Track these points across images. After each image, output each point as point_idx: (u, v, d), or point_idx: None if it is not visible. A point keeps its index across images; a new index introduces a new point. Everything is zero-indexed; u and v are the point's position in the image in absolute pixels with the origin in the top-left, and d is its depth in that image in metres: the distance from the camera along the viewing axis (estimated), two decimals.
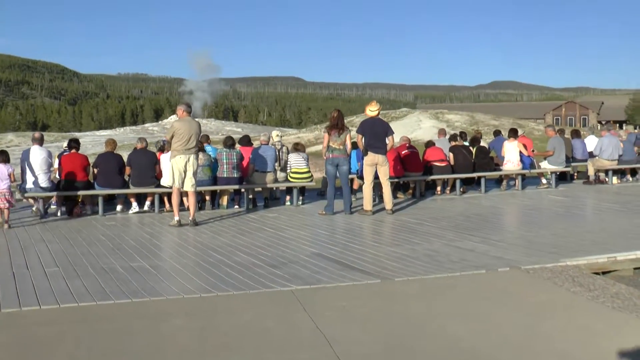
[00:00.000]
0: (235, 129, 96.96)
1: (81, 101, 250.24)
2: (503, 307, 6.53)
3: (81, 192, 12.81)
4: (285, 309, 6.48)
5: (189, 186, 11.57)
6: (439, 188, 15.74)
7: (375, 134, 12.56)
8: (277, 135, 15.31)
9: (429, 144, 15.86)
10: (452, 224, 11.54)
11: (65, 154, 13.21)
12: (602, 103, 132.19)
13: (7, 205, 11.57)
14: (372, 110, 12.72)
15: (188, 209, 12.12)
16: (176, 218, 11.46)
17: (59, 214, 12.81)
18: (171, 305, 6.61)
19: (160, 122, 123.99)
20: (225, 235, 10.65)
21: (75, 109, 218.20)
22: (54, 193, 12.66)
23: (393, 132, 12.90)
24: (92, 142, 71.70)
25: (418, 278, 7.65)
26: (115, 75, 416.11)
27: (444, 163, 15.29)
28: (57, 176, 13.03)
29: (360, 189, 14.70)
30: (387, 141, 12.67)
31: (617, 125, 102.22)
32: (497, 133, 17.98)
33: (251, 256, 8.91)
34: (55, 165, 13.26)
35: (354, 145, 13.73)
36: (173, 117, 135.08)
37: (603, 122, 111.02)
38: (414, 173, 14.92)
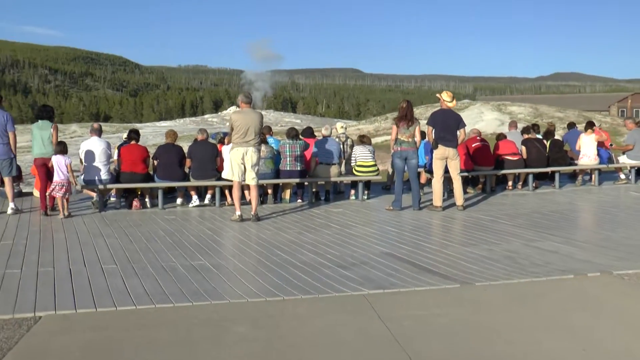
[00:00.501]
0: (294, 121, 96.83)
1: (142, 93, 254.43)
2: (601, 320, 5.83)
3: (141, 185, 12.46)
4: (359, 316, 5.91)
5: (250, 179, 11.09)
6: (510, 183, 14.98)
7: (447, 126, 11.89)
8: (342, 127, 14.74)
9: (500, 136, 15.09)
10: (528, 221, 10.82)
11: (124, 145, 12.87)
12: None
13: (66, 195, 11.49)
14: (447, 100, 12.02)
15: (250, 203, 11.67)
16: (238, 213, 10.99)
17: (118, 206, 12.48)
18: (234, 310, 6.09)
19: (219, 113, 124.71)
20: (289, 231, 10.13)
21: (136, 100, 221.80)
22: (113, 185, 12.33)
23: (465, 125, 12.20)
24: (153, 133, 72.24)
25: (500, 283, 7.00)
26: (176, 67, 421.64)
27: (516, 157, 14.51)
28: (117, 168, 12.69)
29: (427, 183, 14.07)
30: (458, 134, 12.01)
31: None
32: (571, 125, 17.07)
33: (318, 255, 8.37)
34: (115, 156, 12.94)
35: (422, 137, 13.06)
36: (232, 108, 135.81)
37: None
38: (484, 167, 14.20)
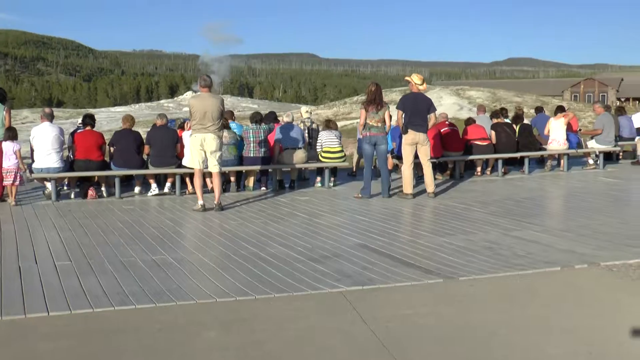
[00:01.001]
0: (251, 106, 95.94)
1: (96, 78, 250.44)
2: (603, 320, 5.41)
3: (96, 173, 11.76)
4: (339, 317, 5.41)
5: (212, 167, 10.52)
6: (479, 168, 14.61)
7: (418, 111, 11.43)
8: (307, 112, 14.20)
9: (469, 121, 14.68)
10: (502, 209, 10.43)
11: (79, 131, 12.15)
12: (622, 80, 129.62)
13: (14, 183, 11.08)
14: (417, 83, 11.56)
15: (212, 192, 11.10)
16: (200, 202, 10.41)
17: (72, 196, 11.79)
18: (202, 311, 5.54)
19: (175, 98, 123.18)
20: (255, 221, 9.58)
21: (90, 85, 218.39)
22: (67, 174, 11.62)
23: (435, 109, 11.77)
24: (108, 119, 70.87)
25: (486, 277, 6.56)
26: (130, 51, 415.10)
27: (485, 142, 14.12)
28: (70, 155, 11.97)
29: (394, 169, 13.63)
30: (428, 118, 11.57)
31: (638, 102, 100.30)
32: (539, 110, 16.75)
33: (288, 248, 7.85)
34: (68, 143, 12.22)
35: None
36: (189, 94, 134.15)
37: (622, 100, 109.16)
38: (454, 152, 13.79)
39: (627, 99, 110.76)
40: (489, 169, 14.76)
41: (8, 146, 11.16)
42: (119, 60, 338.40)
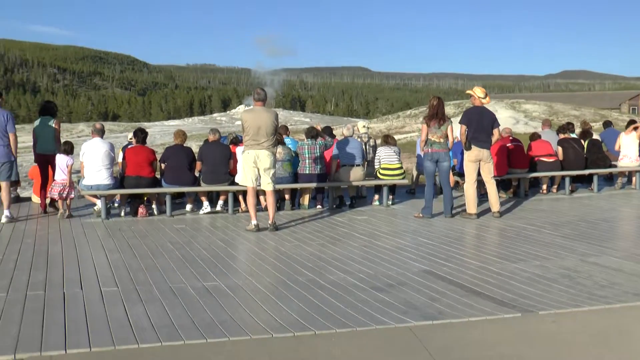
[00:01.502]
0: (303, 119, 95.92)
1: (150, 92, 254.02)
2: None
3: (147, 190, 11.38)
4: (409, 358, 4.83)
5: (265, 185, 10.03)
6: (545, 186, 13.87)
7: (481, 126, 10.80)
8: (364, 127, 13.66)
9: (535, 136, 13.95)
10: (576, 231, 9.72)
11: (130, 146, 11.80)
12: None
13: (64, 196, 11.18)
14: (480, 96, 10.94)
15: (266, 210, 10.63)
16: (253, 222, 9.92)
17: (122, 214, 11.43)
18: (258, 350, 5.01)
19: (228, 112, 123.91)
20: (311, 243, 9.04)
21: (144, 99, 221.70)
22: (117, 191, 11.27)
23: (499, 124, 11.13)
24: (161, 132, 71.30)
25: (569, 312, 5.91)
26: (184, 65, 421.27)
27: (552, 158, 13.39)
28: (121, 171, 11.63)
29: (455, 187, 12.97)
30: (492, 134, 10.94)
31: None
32: (607, 124, 15.90)
33: (348, 274, 7.29)
34: (119, 159, 11.88)
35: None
36: (241, 107, 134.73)
37: None
38: (518, 169, 13.08)
39: None
40: (555, 186, 14.01)
41: (61, 160, 11.22)
42: (172, 74, 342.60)
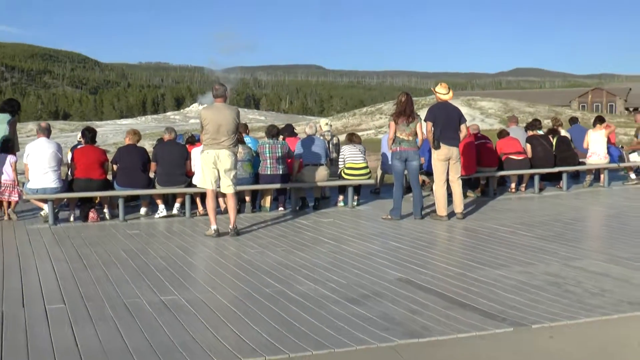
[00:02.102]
0: (258, 117, 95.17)
1: (102, 90, 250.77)
2: None
3: (98, 193, 10.64)
4: None
5: (225, 187, 9.38)
6: (513, 185, 13.46)
7: (449, 122, 10.32)
8: (327, 124, 13.09)
9: (503, 133, 13.52)
10: (552, 232, 9.29)
11: (79, 147, 11.03)
12: (630, 89, 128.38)
13: (10, 198, 10.71)
14: (442, 93, 10.46)
15: (225, 213, 10.02)
16: (213, 227, 9.27)
17: (71, 219, 10.66)
18: None
19: (182, 110, 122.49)
20: (276, 250, 8.43)
21: (96, 97, 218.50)
22: (66, 194, 10.50)
23: (466, 120, 10.67)
24: (114, 131, 70.01)
25: (564, 324, 5.39)
26: (136, 64, 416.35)
27: (521, 156, 12.98)
28: (69, 174, 10.86)
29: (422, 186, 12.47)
30: (460, 130, 10.47)
31: None
32: (573, 120, 15.56)
33: (318, 283, 6.70)
34: (68, 160, 11.11)
35: None
36: (194, 106, 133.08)
37: (631, 109, 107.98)
38: (487, 168, 12.64)
39: (636, 109, 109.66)
40: (524, 185, 13.61)
41: (2, 158, 10.68)
42: (125, 73, 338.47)
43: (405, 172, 10.59)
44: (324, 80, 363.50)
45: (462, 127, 10.51)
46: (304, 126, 12.28)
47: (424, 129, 10.56)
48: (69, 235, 9.44)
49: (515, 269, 7.23)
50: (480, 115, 51.63)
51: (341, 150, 12.03)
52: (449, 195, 10.73)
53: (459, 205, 10.56)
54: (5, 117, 11.27)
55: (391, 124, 10.37)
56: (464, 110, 53.77)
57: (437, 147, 10.30)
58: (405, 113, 10.26)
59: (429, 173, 11.70)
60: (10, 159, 10.69)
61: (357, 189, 12.18)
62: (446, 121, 10.33)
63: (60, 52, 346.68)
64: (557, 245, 8.46)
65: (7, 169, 10.61)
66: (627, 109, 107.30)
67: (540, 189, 13.45)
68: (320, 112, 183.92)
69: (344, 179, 11.75)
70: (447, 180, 10.56)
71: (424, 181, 12.49)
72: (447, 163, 10.40)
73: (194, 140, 11.75)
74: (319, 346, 4.89)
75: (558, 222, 10.09)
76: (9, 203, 10.75)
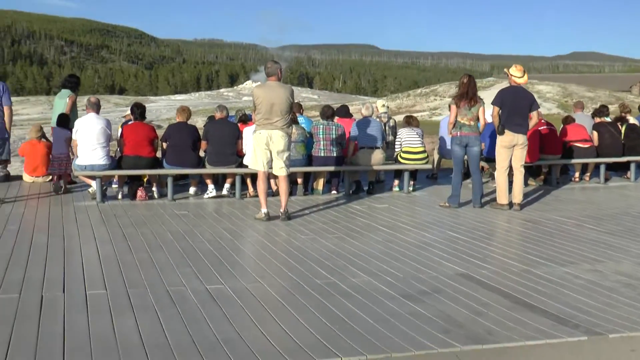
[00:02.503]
0: (311, 96, 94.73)
1: (158, 65, 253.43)
2: None
3: (147, 171, 10.37)
4: None
5: (278, 169, 9.00)
6: (577, 174, 12.82)
7: (518, 108, 9.75)
8: (384, 106, 12.61)
9: (568, 119, 12.85)
10: (622, 227, 8.72)
11: (128, 123, 10.76)
12: None
13: (63, 171, 10.78)
14: (516, 76, 9.89)
15: (276, 195, 9.68)
16: (263, 210, 8.91)
17: (119, 196, 10.43)
18: None
19: (235, 87, 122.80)
20: (328, 237, 8.02)
21: (152, 73, 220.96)
22: (114, 172, 10.25)
23: (539, 106, 10.08)
24: (167, 107, 70.40)
25: None
26: (191, 40, 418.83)
27: (587, 144, 12.34)
28: (119, 150, 10.61)
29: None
30: (530, 117, 9.90)
31: None
32: None
33: (373, 276, 6.29)
34: (117, 136, 10.87)
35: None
36: (248, 83, 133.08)
37: None
38: (551, 155, 12.01)
39: None
40: (588, 174, 12.96)
41: (59, 133, 10.86)
42: (180, 49, 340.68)
43: (465, 158, 10.08)
44: (377, 60, 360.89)
45: (534, 114, 9.94)
46: (359, 107, 11.76)
47: (487, 113, 10.02)
48: (116, 214, 9.19)
49: (584, 267, 6.72)
50: (538, 100, 49.93)
51: (398, 133, 11.55)
52: (510, 183, 10.20)
53: (518, 195, 10.00)
54: (66, 92, 11.74)
55: (452, 107, 9.85)
56: None
57: (501, 133, 9.75)
58: (467, 96, 9.74)
59: (489, 159, 11.17)
60: (66, 133, 10.66)
61: (414, 174, 11.71)
62: (514, 106, 9.76)
63: (117, 28, 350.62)
64: (628, 241, 7.91)
65: (61, 144, 10.61)
66: None
67: (606, 179, 12.79)
68: (374, 92, 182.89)
69: (400, 163, 11.27)
70: (510, 167, 10.03)
71: (482, 167, 11.94)
72: (510, 150, 9.85)
73: (246, 118, 11.40)
74: (374, 349, 4.49)
75: (627, 216, 9.50)
76: (60, 177, 10.70)
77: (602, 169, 12.61)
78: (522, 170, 9.95)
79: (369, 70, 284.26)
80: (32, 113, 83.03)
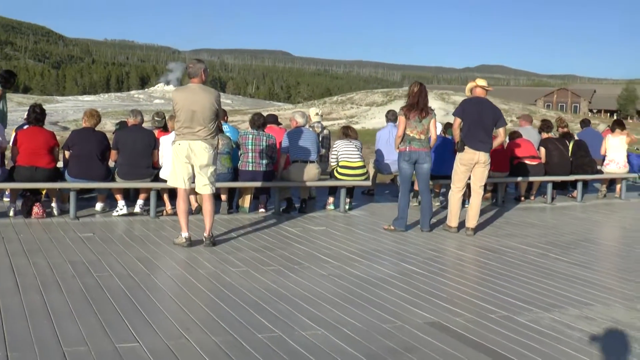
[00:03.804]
0: (224, 101, 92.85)
1: (65, 65, 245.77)
2: None
3: (45, 185, 8.82)
4: None
5: (201, 187, 7.63)
6: (523, 192, 11.91)
7: (481, 122, 8.71)
8: (317, 115, 11.38)
9: (515, 134, 11.91)
10: (590, 257, 7.82)
11: (23, 128, 9.14)
12: (595, 91, 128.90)
13: None
14: (483, 85, 8.87)
15: (196, 214, 8.35)
16: (184, 234, 7.53)
17: (11, 213, 8.83)
18: None
19: (146, 89, 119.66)
20: (263, 269, 6.70)
21: (59, 72, 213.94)
22: (4, 185, 8.66)
23: (505, 123, 9.07)
24: (74, 108, 67.49)
25: None
26: (102, 40, 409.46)
27: (535, 161, 11.44)
28: (11, 159, 9.01)
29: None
30: (495, 134, 8.90)
31: (609, 114, 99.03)
32: (585, 123, 13.95)
33: (327, 327, 5.02)
34: (10, 143, 9.25)
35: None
36: (159, 86, 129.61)
37: (594, 111, 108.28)
38: (498, 173, 11.03)
39: (599, 111, 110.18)
40: (533, 193, 12.08)
41: None
42: (90, 49, 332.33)
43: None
44: (291, 67, 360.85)
45: (500, 130, 8.91)
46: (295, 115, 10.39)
47: (438, 127, 8.93)
48: (4, 237, 7.61)
49: (571, 313, 5.63)
50: (453, 110, 50.39)
51: (334, 146, 10.35)
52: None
53: (472, 219, 8.95)
54: None
55: (400, 119, 8.71)
56: (438, 104, 52.52)
57: (461, 150, 8.68)
58: (417, 106, 8.63)
59: (433, 177, 10.10)
60: None
61: (350, 191, 10.52)
62: (478, 120, 8.69)
63: (23, 24, 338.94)
64: (605, 276, 6.94)
65: None
66: (590, 110, 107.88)
67: (552, 198, 11.92)
68: (287, 98, 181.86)
69: (336, 178, 10.08)
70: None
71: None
72: (469, 168, 8.78)
73: (165, 125, 10.00)
74: None
75: (590, 243, 8.60)
76: None
77: (550, 187, 11.75)
78: (481, 191, 8.90)
79: (282, 76, 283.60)
80: None
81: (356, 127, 51.90)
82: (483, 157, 8.67)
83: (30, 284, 5.82)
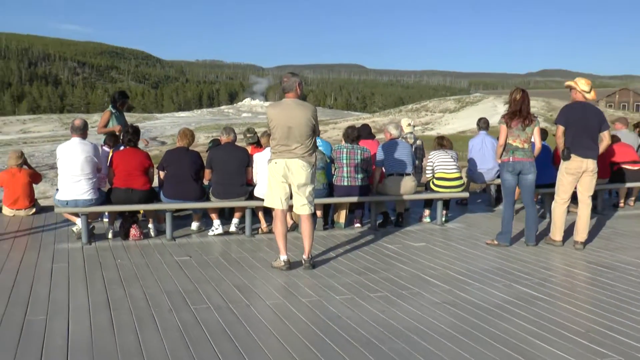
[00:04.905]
0: None
1: (162, 85, 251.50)
2: None
3: (140, 206, 8.04)
4: None
5: (299, 206, 6.69)
6: (622, 200, 10.56)
7: (587, 127, 7.51)
8: (409, 125, 10.31)
9: (614, 139, 10.54)
10: None
11: (120, 149, 8.41)
12: None
13: None
14: (585, 90, 7.63)
15: (293, 230, 7.44)
16: (282, 257, 6.60)
17: (109, 235, 8.09)
18: None
19: (235, 104, 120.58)
20: (369, 297, 5.69)
21: (157, 92, 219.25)
22: (102, 208, 7.91)
23: (609, 126, 7.81)
24: (171, 124, 68.11)
25: None
26: (194, 61, 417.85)
27: (637, 165, 10.09)
28: (108, 182, 8.27)
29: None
30: (600, 139, 7.65)
31: None
32: None
33: None
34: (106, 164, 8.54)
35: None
36: (247, 101, 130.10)
37: None
38: (599, 180, 9.68)
39: None
40: (633, 199, 10.72)
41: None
42: (183, 69, 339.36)
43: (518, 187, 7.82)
44: (365, 79, 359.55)
45: (604, 134, 7.64)
46: (389, 127, 9.31)
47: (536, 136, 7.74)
48: (102, 263, 6.86)
49: None
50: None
51: (429, 157, 9.27)
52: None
53: (582, 232, 7.70)
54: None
55: (502, 128, 7.58)
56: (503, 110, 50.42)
57: (567, 158, 7.49)
58: (521, 114, 7.49)
59: (538, 186, 8.90)
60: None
61: (447, 203, 9.43)
62: (583, 126, 7.49)
63: (125, 50, 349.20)
64: None
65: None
66: None
67: None
68: (363, 107, 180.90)
69: (433, 191, 9.00)
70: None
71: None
72: (576, 178, 7.58)
73: (258, 140, 9.14)
74: None
75: None
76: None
77: None
78: (590, 202, 7.69)
79: (357, 87, 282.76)
80: (43, 130, 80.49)
81: (431, 133, 50.40)
82: (591, 165, 7.47)
83: (124, 321, 4.96)
